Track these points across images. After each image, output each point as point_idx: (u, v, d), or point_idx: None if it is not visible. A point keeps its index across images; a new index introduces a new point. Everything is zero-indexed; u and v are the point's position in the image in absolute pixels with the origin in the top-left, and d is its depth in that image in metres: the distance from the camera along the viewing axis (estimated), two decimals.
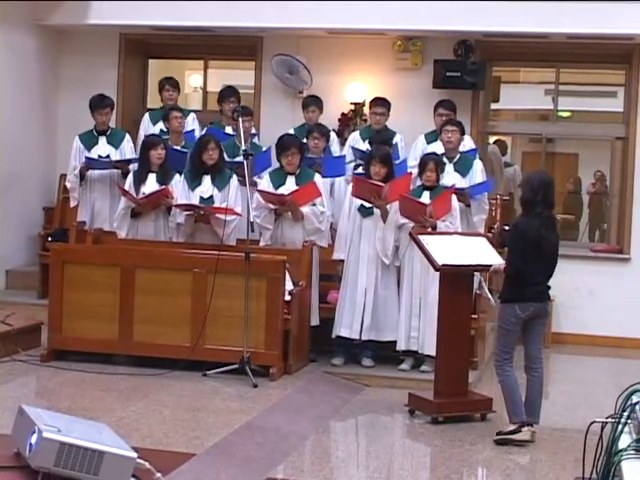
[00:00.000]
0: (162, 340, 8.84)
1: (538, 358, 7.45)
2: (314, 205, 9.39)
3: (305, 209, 9.33)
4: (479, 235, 8.89)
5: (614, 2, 10.70)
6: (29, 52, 12.20)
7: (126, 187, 9.71)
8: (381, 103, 10.65)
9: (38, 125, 12.43)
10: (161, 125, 10.97)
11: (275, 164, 10.15)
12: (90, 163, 10.48)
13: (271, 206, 9.36)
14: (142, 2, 11.70)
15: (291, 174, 9.49)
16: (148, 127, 11.20)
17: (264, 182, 9.65)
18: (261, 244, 9.46)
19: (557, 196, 14.06)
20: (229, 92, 11.00)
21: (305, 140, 10.10)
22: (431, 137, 10.41)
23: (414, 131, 10.66)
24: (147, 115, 11.45)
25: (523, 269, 7.27)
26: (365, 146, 10.38)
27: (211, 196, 9.47)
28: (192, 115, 11.31)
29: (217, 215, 9.29)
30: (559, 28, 10.97)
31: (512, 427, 7.26)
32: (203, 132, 10.80)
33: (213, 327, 8.75)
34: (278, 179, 9.53)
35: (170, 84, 11.32)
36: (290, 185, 9.44)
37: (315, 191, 9.34)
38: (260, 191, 9.44)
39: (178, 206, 9.43)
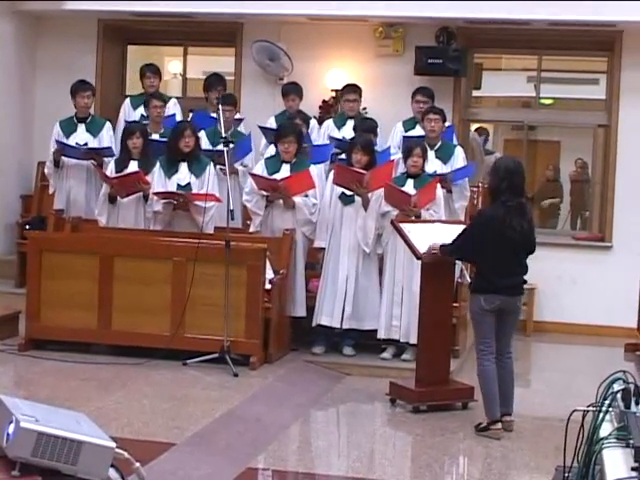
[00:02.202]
0: (141, 329, 8.82)
1: (506, 352, 7.40)
2: (306, 196, 9.38)
3: (297, 199, 9.32)
4: (461, 223, 8.90)
5: None
6: (6, 37, 12.10)
7: (107, 173, 9.68)
8: (352, 89, 10.68)
9: (15, 112, 12.35)
10: (141, 110, 10.94)
11: (257, 150, 10.20)
12: (62, 148, 10.41)
13: (263, 192, 9.35)
14: None
15: (287, 162, 9.47)
16: (129, 112, 11.15)
17: (258, 167, 9.63)
18: (251, 229, 9.48)
19: (539, 184, 14.22)
20: (216, 80, 10.96)
21: None
22: (409, 124, 10.43)
23: (395, 118, 10.66)
24: (128, 100, 11.38)
25: (463, 252, 7.31)
26: (340, 134, 10.41)
27: (188, 183, 9.45)
28: (173, 100, 11.30)
29: (196, 202, 9.26)
30: (541, 15, 10.97)
31: (484, 424, 7.28)
32: (187, 118, 10.79)
33: (193, 316, 8.74)
34: (273, 166, 9.51)
35: (151, 71, 11.25)
36: (284, 173, 9.42)
37: (309, 181, 9.32)
38: (253, 175, 9.42)
39: (158, 194, 9.40)
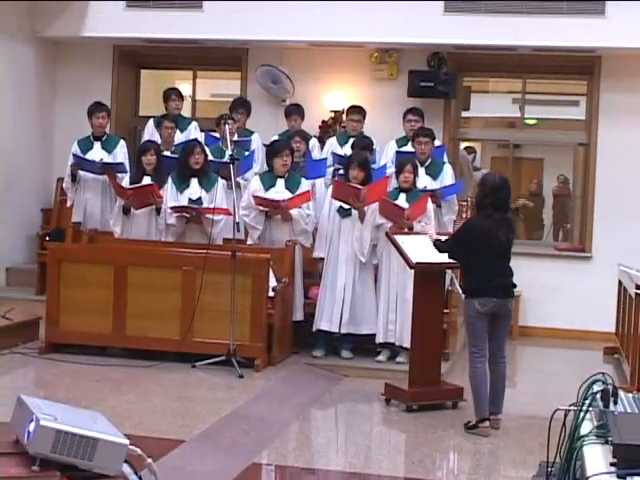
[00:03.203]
0: (153, 334, 8.81)
1: (500, 356, 7.36)
2: (300, 207, 9.39)
3: (293, 212, 9.32)
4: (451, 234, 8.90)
5: (577, 17, 10.74)
6: (27, 62, 12.14)
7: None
8: (357, 110, 10.68)
9: (36, 131, 12.37)
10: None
11: (262, 165, 10.25)
12: (79, 162, 10.39)
13: (260, 208, 9.35)
14: (135, 16, 11.68)
15: (281, 177, 9.48)
16: (153, 132, 11.10)
17: (254, 184, 9.62)
18: (248, 243, 9.46)
19: (526, 196, 14.17)
20: (239, 104, 10.91)
21: None
22: (401, 142, 10.41)
23: (390, 137, 10.65)
24: (151, 122, 11.21)
25: (451, 253, 7.40)
26: (342, 151, 10.41)
27: (199, 197, 9.46)
28: (194, 124, 11.19)
29: (207, 215, 9.26)
30: (526, 41, 11.00)
31: (473, 422, 7.25)
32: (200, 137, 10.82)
33: (201, 321, 8.73)
34: (268, 181, 9.50)
35: (175, 94, 11.19)
36: (280, 187, 9.43)
37: (308, 198, 9.37)
38: (256, 197, 9.40)
39: (174, 208, 9.40)
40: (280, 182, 9.48)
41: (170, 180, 9.54)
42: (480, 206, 7.28)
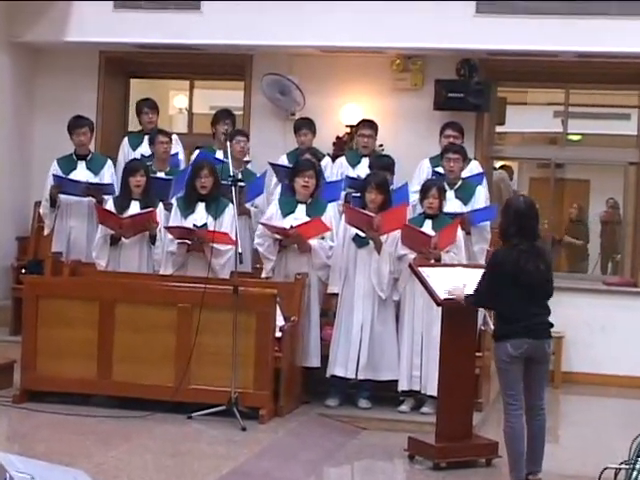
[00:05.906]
0: (144, 380, 8.81)
1: (539, 407, 7.30)
2: (323, 239, 9.40)
3: (313, 242, 9.33)
4: (482, 267, 8.88)
5: (627, 19, 10.77)
6: (2, 71, 12.19)
7: None
8: (369, 125, 10.73)
9: (11, 149, 12.39)
10: (141, 150, 11.01)
11: (267, 189, 10.30)
12: (60, 183, 10.45)
13: (276, 236, 9.38)
14: (124, 19, 11.76)
15: (302, 202, 9.50)
16: (128, 152, 11.20)
17: (272, 208, 9.65)
18: (262, 275, 9.48)
19: (566, 224, 14.17)
20: (223, 115, 11.02)
21: None
22: (436, 161, 10.36)
23: (413, 155, 10.69)
24: (126, 139, 11.44)
25: (487, 300, 7.34)
26: (354, 172, 10.42)
27: (205, 224, 9.44)
28: (174, 137, 11.28)
29: (213, 245, 9.25)
30: (569, 46, 11.03)
31: None
32: (193, 155, 10.89)
33: (199, 366, 8.73)
34: (287, 207, 9.53)
35: (148, 106, 11.32)
36: (300, 214, 9.45)
37: (321, 226, 9.35)
38: (263, 224, 9.44)
39: (168, 228, 9.43)
40: (301, 208, 9.49)
41: (175, 203, 9.60)
42: (505, 236, 7.25)
